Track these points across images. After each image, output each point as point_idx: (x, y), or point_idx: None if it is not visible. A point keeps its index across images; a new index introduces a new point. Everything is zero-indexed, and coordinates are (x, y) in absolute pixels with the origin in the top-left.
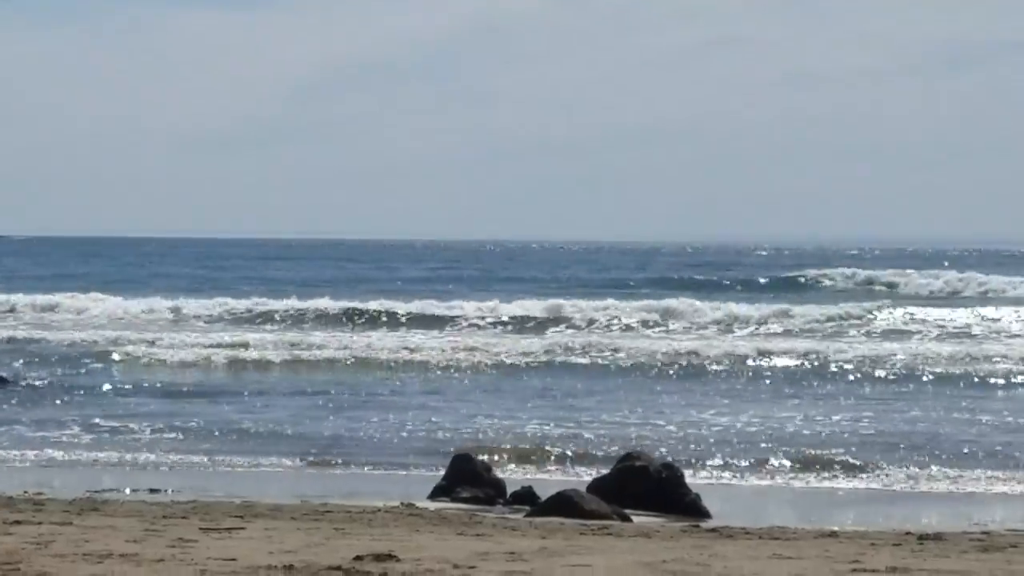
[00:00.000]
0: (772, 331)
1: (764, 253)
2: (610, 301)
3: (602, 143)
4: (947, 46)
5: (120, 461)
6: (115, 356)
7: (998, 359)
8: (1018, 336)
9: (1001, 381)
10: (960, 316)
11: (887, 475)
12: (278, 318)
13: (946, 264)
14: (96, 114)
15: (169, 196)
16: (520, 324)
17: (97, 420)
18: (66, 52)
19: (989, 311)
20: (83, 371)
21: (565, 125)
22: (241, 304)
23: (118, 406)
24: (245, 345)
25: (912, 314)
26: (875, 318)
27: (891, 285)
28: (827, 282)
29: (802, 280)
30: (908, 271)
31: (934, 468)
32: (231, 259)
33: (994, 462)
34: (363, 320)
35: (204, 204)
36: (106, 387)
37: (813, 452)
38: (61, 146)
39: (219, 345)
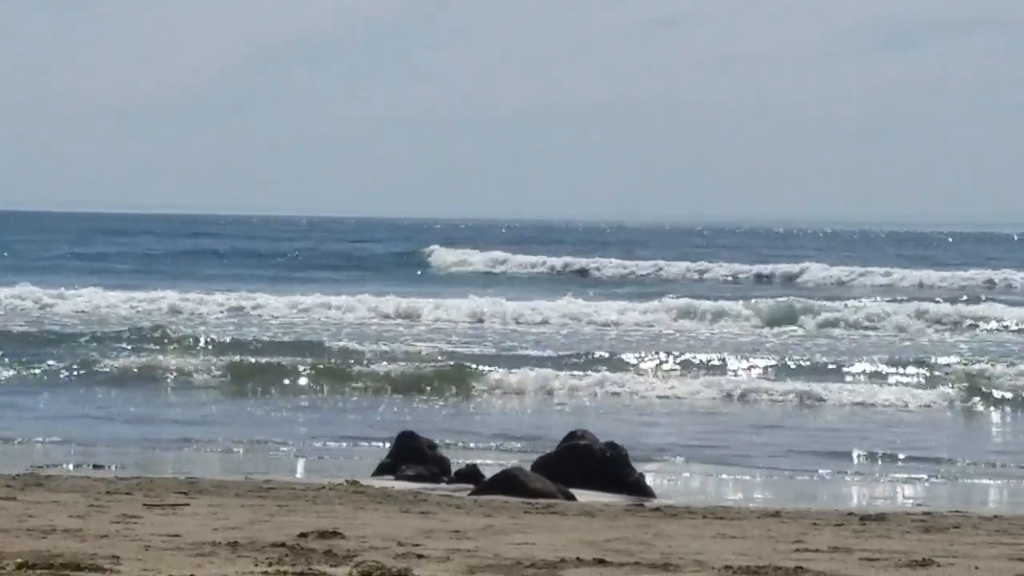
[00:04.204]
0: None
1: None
2: None
3: (541, 120)
4: (883, 24)
5: (64, 439)
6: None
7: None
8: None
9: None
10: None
11: None
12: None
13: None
14: (26, 83)
15: (102, 169)
16: None
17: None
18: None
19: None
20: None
21: (506, 102)
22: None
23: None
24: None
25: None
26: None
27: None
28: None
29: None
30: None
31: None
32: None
33: None
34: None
35: (137, 177)
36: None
37: None
38: None
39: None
